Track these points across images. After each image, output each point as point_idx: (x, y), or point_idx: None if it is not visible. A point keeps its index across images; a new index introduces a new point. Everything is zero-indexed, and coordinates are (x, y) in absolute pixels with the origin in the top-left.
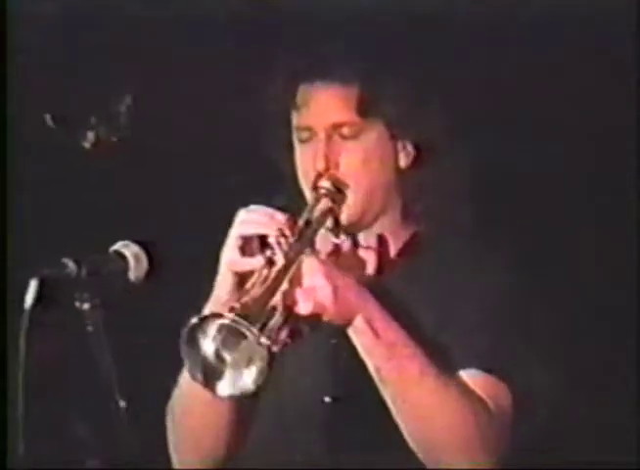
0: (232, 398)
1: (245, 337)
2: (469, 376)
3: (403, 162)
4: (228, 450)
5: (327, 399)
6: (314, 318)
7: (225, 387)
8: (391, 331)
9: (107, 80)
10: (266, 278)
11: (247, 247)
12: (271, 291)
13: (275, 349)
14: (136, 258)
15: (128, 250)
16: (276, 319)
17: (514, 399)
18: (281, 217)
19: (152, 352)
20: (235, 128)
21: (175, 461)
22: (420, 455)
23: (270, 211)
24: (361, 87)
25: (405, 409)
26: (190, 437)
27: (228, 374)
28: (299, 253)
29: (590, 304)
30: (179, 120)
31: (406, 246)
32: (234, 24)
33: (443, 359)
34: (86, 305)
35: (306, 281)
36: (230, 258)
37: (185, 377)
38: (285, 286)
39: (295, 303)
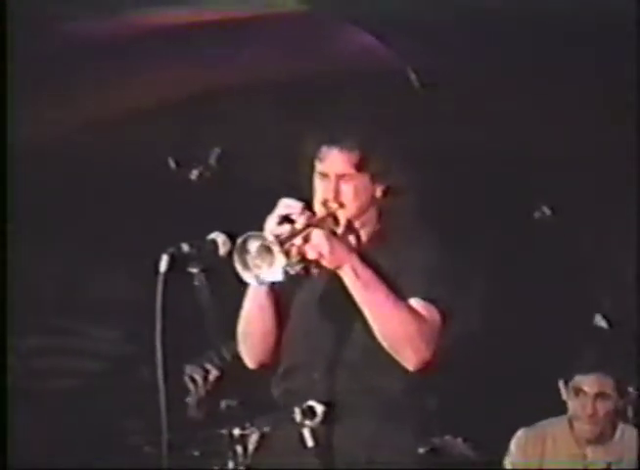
0: (268, 284)
1: (271, 252)
2: (414, 302)
3: (378, 194)
4: (269, 349)
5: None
6: (317, 262)
7: (262, 276)
8: (367, 274)
9: (204, 142)
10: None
11: (281, 221)
12: (292, 237)
13: (292, 271)
14: (223, 242)
15: (219, 237)
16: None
17: (441, 318)
18: (300, 205)
19: (234, 297)
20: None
21: (242, 351)
22: (386, 347)
23: (296, 202)
24: (359, 154)
25: (377, 321)
26: (248, 337)
27: (263, 271)
28: (311, 225)
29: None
30: (246, 162)
31: (374, 237)
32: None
33: (398, 292)
34: (195, 270)
35: (314, 240)
36: (271, 226)
37: (246, 300)
38: (300, 241)
39: (306, 252)
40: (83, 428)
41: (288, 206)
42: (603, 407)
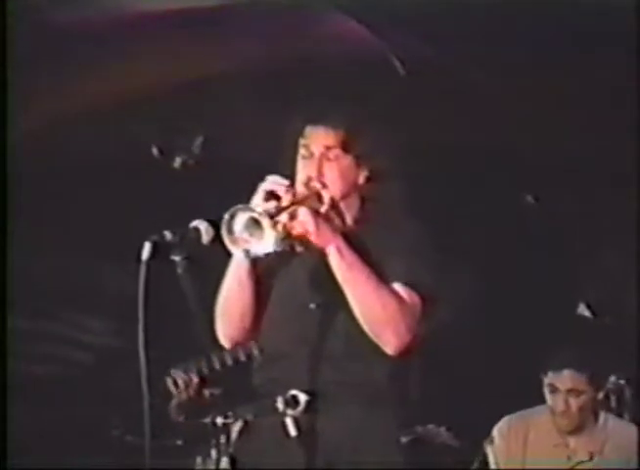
0: (256, 256)
1: (260, 226)
2: (395, 286)
3: (361, 180)
4: (246, 329)
5: (312, 306)
6: (303, 238)
7: (252, 250)
8: (351, 256)
9: (187, 129)
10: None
11: (268, 197)
12: (279, 212)
13: (278, 248)
14: (206, 230)
15: (202, 225)
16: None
17: (422, 303)
18: (286, 182)
19: (216, 285)
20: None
21: (219, 329)
22: (367, 330)
23: (283, 179)
24: (344, 132)
25: (359, 302)
26: (227, 310)
27: (252, 244)
28: (296, 203)
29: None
30: (230, 150)
31: (357, 222)
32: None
33: (380, 276)
34: (177, 258)
35: (300, 217)
36: (257, 202)
37: (226, 276)
38: (286, 218)
39: (292, 228)
40: (67, 417)
41: (275, 182)
42: (576, 403)
